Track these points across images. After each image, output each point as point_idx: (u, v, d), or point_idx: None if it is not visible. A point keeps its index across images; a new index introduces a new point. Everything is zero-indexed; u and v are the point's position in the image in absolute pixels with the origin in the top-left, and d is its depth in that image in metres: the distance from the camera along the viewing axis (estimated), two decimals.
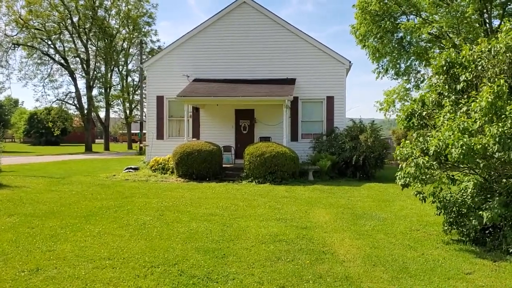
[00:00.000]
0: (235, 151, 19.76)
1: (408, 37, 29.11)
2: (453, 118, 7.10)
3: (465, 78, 7.65)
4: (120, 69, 53.23)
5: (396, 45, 29.59)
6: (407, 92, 31.02)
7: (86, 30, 46.21)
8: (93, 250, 6.80)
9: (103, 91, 50.90)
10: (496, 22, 26.03)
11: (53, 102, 48.76)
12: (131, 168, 20.22)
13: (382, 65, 31.40)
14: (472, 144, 6.30)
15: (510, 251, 6.95)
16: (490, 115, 6.53)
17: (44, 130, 62.03)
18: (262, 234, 8.05)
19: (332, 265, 6.36)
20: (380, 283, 5.71)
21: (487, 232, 7.71)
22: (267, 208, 10.82)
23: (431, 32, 26.83)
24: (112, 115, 56.81)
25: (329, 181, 16.58)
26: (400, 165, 7.90)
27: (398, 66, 30.77)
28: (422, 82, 30.20)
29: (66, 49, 46.90)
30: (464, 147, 6.32)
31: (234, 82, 19.58)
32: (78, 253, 6.62)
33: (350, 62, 19.55)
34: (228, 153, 19.33)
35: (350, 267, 6.30)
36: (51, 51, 46.42)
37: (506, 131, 6.17)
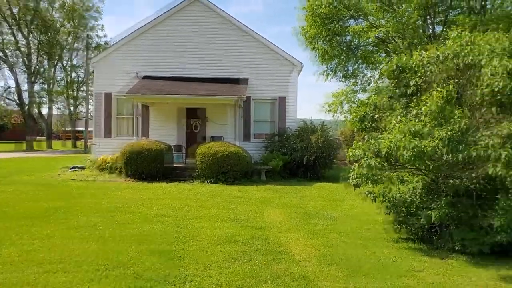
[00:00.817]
0: (186, 150, 19.52)
1: (356, 40, 29.85)
2: (404, 121, 7.35)
3: (415, 83, 7.95)
4: (64, 64, 51.29)
5: (344, 48, 30.26)
6: (355, 94, 31.84)
7: (27, 22, 44.15)
8: (42, 253, 6.50)
9: (45, 86, 48.84)
10: (438, 28, 27.23)
11: None
12: (77, 167, 19.54)
13: (330, 67, 32.01)
14: (423, 147, 6.55)
15: (456, 249, 7.30)
16: (440, 119, 6.82)
17: None
18: (217, 235, 8.01)
19: (289, 265, 6.42)
20: (336, 282, 5.83)
21: (433, 230, 8.04)
22: (220, 208, 10.77)
23: (378, 36, 27.67)
24: (55, 111, 54.64)
25: (281, 181, 16.74)
26: (353, 166, 8.09)
27: (346, 68, 31.49)
28: (368, 84, 31.11)
29: (5, 41, 44.61)
30: (415, 150, 6.56)
31: (185, 80, 19.35)
32: (26, 257, 6.30)
33: (301, 63, 19.83)
34: (179, 152, 19.08)
35: (306, 267, 6.39)
36: None
37: (454, 134, 6.46)
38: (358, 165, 7.89)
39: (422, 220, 7.57)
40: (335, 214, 10.48)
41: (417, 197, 8.01)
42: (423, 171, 7.87)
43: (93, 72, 23.45)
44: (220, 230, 8.44)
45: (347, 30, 27.78)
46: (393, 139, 7.10)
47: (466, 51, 7.39)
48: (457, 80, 7.58)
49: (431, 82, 7.86)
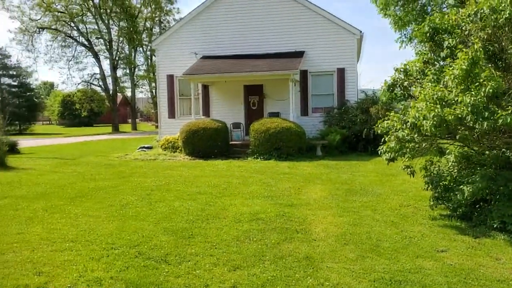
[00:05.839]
0: (245, 127, 19.51)
1: (432, 3, 27.87)
2: (431, 87, 6.66)
3: (448, 44, 7.14)
4: (144, 49, 53.43)
5: (419, 12, 28.43)
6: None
7: (107, 10, 46.41)
8: (62, 232, 6.78)
9: (127, 71, 51.34)
10: None
11: (78, 84, 49.75)
12: (144, 147, 20.36)
13: (405, 34, 30.28)
14: (444, 115, 5.88)
15: (495, 226, 6.57)
16: (467, 83, 6.07)
17: (77, 112, 63.39)
18: (242, 213, 7.88)
19: (299, 245, 6.15)
20: (342, 263, 5.48)
21: (477, 206, 7.29)
22: (259, 185, 10.64)
23: None
24: (140, 95, 57.39)
25: (338, 156, 16.20)
26: (382, 139, 7.54)
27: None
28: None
29: (90, 30, 47.35)
30: (435, 119, 5.91)
31: (242, 57, 19.23)
32: (46, 235, 6.59)
33: (361, 32, 18.79)
34: (237, 129, 19.13)
35: (317, 247, 6.07)
36: (75, 33, 47.05)
37: (479, 99, 5.71)
38: (387, 138, 7.34)
39: (458, 195, 6.89)
40: (381, 190, 9.93)
41: (455, 170, 7.30)
42: (461, 141, 7.12)
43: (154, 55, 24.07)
44: (248, 207, 8.31)
45: None
46: (419, 108, 6.48)
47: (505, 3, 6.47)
48: (495, 39, 6.69)
49: (467, 42, 7.02)
